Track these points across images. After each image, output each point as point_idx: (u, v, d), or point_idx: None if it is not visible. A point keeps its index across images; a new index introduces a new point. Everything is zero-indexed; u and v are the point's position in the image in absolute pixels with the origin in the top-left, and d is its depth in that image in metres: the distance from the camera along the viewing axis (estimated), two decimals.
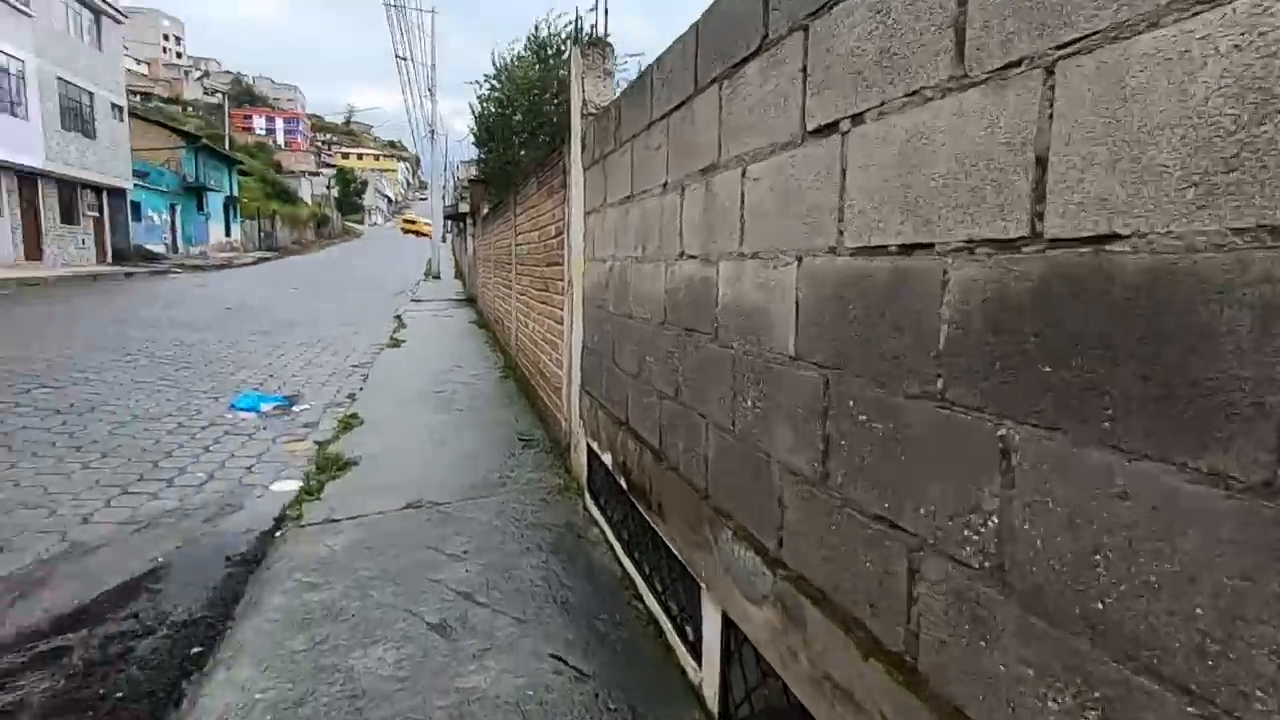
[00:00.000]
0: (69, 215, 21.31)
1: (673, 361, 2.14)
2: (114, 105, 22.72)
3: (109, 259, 23.60)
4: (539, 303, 5.66)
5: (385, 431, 5.20)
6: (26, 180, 19.19)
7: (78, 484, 4.04)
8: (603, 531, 3.24)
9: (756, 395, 1.57)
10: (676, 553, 2.15)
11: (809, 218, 1.36)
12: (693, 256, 1.97)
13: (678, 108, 2.07)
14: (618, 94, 3.13)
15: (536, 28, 17.91)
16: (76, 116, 20.65)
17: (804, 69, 1.36)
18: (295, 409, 6.29)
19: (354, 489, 3.90)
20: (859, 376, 1.21)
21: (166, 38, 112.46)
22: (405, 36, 43.28)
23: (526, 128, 27.51)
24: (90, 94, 21.26)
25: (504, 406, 6.26)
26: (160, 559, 3.24)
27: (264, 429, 5.46)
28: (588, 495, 3.57)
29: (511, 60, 21.53)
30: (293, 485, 4.11)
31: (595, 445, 3.30)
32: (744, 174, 1.63)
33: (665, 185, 2.20)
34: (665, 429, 2.24)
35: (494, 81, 22.41)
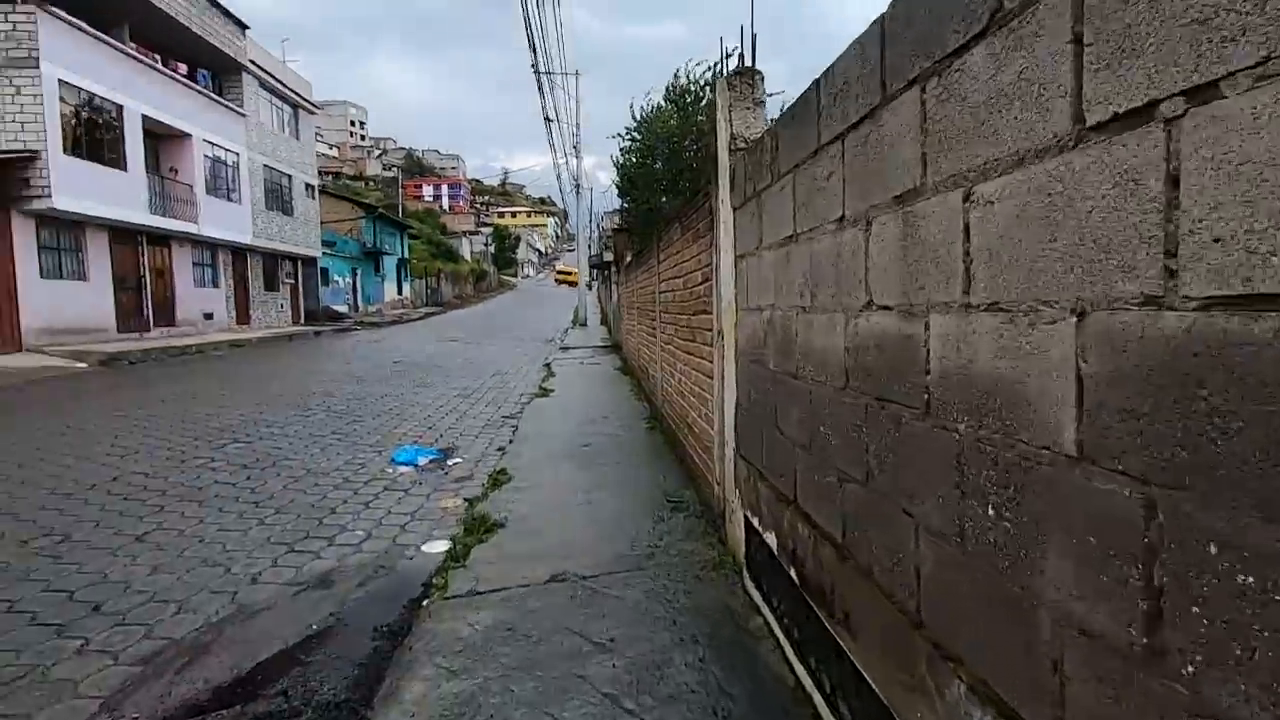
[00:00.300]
0: (271, 283, 24.36)
1: (859, 437, 1.72)
2: (307, 185, 25.91)
3: (301, 320, 26.63)
4: (685, 353, 5.37)
5: (532, 489, 5.09)
6: (239, 255, 22.20)
7: (252, 541, 4.22)
8: (767, 623, 2.79)
9: (1004, 502, 1.12)
10: (872, 683, 1.69)
11: (1097, 254, 0.92)
12: (885, 307, 1.56)
13: (856, 125, 1.69)
14: (770, 124, 2.80)
15: (675, 76, 17.85)
16: (277, 197, 23.74)
17: (1077, 38, 0.94)
18: (449, 462, 6.40)
19: (499, 555, 3.74)
20: (1225, 507, 0.75)
21: (353, 124, 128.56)
22: (551, 98, 46.08)
23: (667, 175, 27.89)
24: (289, 176, 24.41)
25: (650, 463, 5.98)
26: (315, 626, 3.21)
27: (420, 483, 5.55)
28: (747, 575, 3.14)
29: (650, 111, 21.87)
30: (442, 546, 4.05)
31: (755, 521, 2.89)
32: (968, 197, 1.21)
33: (841, 220, 1.81)
34: (851, 519, 1.80)
35: (634, 134, 22.96)
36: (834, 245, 1.87)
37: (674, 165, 23.70)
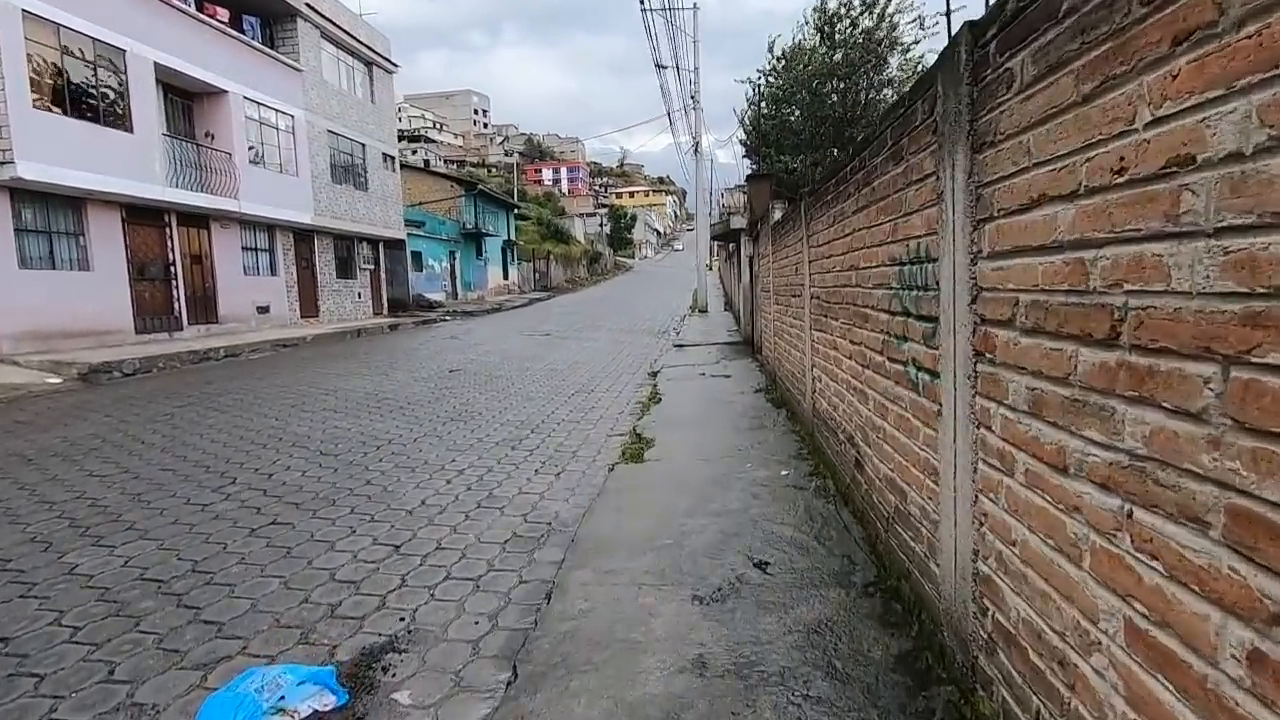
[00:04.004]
0: (345, 269, 21.20)
1: None
2: (385, 156, 22.54)
3: (385, 310, 23.48)
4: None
5: None
6: (303, 238, 19.04)
7: None
8: None
9: None
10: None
11: None
12: None
13: None
14: None
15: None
16: (347, 170, 20.41)
17: None
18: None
19: None
20: None
21: (476, 111, 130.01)
22: (670, 42, 40.84)
23: (804, 128, 21.96)
24: (362, 146, 21.04)
25: None
26: None
27: None
28: None
29: (789, 49, 17.50)
30: None
31: None
32: None
33: None
34: None
35: (768, 77, 18.53)
36: None
37: (815, 112, 17.26)
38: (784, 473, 5.01)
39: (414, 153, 79.15)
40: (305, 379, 10.79)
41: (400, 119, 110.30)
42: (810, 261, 5.21)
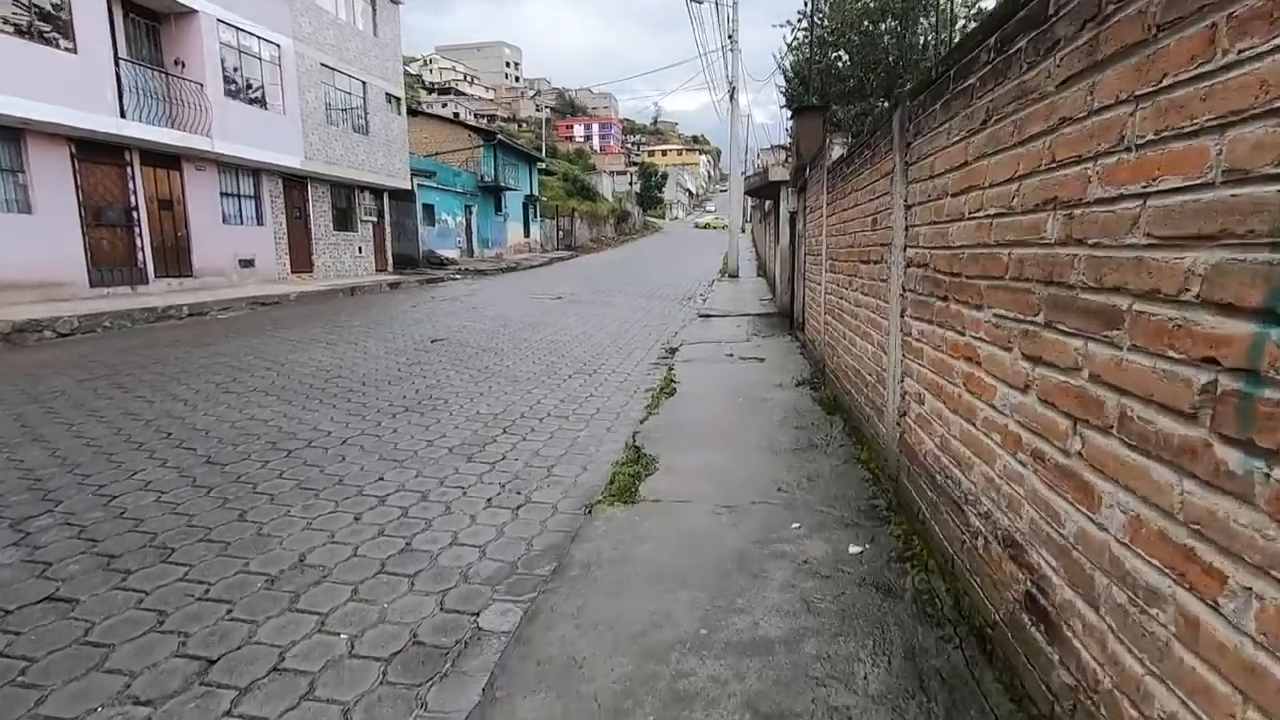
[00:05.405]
0: (344, 221, 19.42)
1: None
2: (389, 96, 20.48)
3: (389, 267, 21.76)
4: None
5: None
6: (294, 184, 17.27)
7: None
8: None
9: None
10: None
11: None
12: None
13: None
14: None
15: None
16: (345, 111, 18.46)
17: None
18: None
19: None
20: None
21: (508, 64, 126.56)
22: None
23: (853, 74, 19.50)
24: (362, 84, 19.03)
25: None
26: None
27: None
28: None
29: None
30: None
31: None
32: None
33: None
34: None
35: (813, 18, 16.06)
36: None
37: (866, 57, 15.60)
38: (855, 549, 3.09)
39: (444, 105, 76.74)
40: (258, 346, 9.10)
41: (430, 70, 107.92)
42: (909, 207, 3.21)
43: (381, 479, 4.31)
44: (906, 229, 3.26)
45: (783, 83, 18.71)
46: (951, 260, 2.56)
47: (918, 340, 3.07)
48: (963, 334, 2.44)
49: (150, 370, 7.53)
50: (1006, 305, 2.04)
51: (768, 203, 18.03)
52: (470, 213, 29.93)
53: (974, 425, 2.32)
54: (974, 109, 2.33)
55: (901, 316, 3.36)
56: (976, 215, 2.30)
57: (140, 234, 13.10)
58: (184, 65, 13.64)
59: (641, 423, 5.46)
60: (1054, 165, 1.74)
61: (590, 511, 3.72)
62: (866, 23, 16.55)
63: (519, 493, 4.11)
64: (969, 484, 2.38)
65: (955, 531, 2.51)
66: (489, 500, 3.99)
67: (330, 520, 3.69)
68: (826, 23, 16.83)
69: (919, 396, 3.05)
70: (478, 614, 2.74)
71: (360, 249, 20.09)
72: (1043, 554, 1.79)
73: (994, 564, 2.13)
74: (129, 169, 12.87)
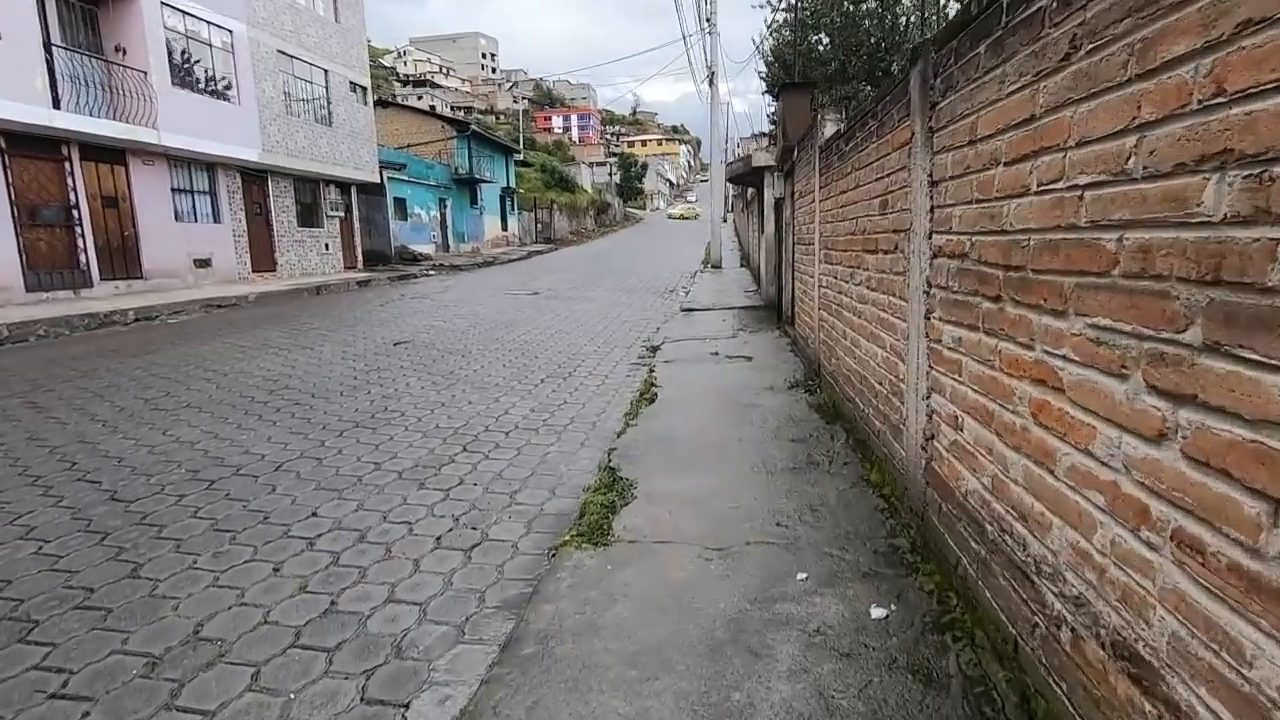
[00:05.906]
0: (309, 217, 18.52)
1: None
2: (354, 85, 19.54)
3: (359, 264, 20.88)
4: None
5: None
6: (254, 179, 16.35)
7: None
8: None
9: None
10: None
11: None
12: None
13: None
14: None
15: None
16: (306, 100, 17.54)
17: None
18: None
19: None
20: None
21: (484, 56, 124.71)
22: None
23: (834, 57, 18.93)
24: (324, 72, 18.10)
25: None
26: None
27: None
28: None
29: None
30: None
31: None
32: None
33: None
34: None
35: None
36: None
37: (847, 39, 15.20)
38: (879, 612, 2.47)
39: (419, 99, 74.99)
40: (204, 354, 8.35)
41: (405, 62, 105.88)
42: (936, 183, 2.59)
43: (314, 514, 3.66)
44: (932, 211, 2.64)
45: (763, 68, 18.11)
46: (1008, 249, 1.94)
47: (953, 350, 2.45)
48: (1030, 347, 1.82)
49: (74, 385, 6.77)
50: (1116, 313, 1.42)
51: (750, 191, 17.39)
52: (445, 206, 29.01)
53: (1051, 473, 1.70)
54: (1047, 41, 1.70)
55: (926, 318, 2.74)
56: (1053, 187, 1.68)
57: (82, 234, 12.20)
58: (125, 52, 12.71)
59: (619, 435, 4.83)
60: (1221, 99, 1.12)
61: (555, 555, 3.10)
62: (847, 3, 15.97)
63: (474, 528, 3.49)
64: (1042, 550, 1.76)
65: (1020, 608, 1.90)
66: (438, 540, 3.36)
67: (243, 574, 3.04)
68: (806, 4, 16.22)
69: (955, 420, 2.44)
70: (407, 705, 2.13)
71: (327, 246, 19.20)
72: (1202, 695, 1.18)
73: (1093, 674, 1.52)
74: (67, 164, 11.96)
